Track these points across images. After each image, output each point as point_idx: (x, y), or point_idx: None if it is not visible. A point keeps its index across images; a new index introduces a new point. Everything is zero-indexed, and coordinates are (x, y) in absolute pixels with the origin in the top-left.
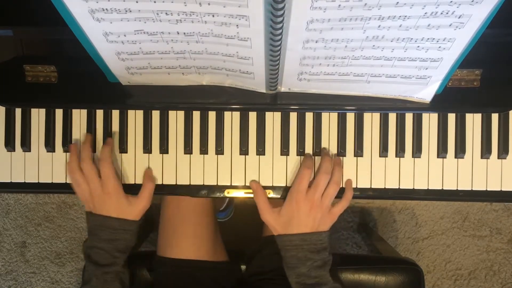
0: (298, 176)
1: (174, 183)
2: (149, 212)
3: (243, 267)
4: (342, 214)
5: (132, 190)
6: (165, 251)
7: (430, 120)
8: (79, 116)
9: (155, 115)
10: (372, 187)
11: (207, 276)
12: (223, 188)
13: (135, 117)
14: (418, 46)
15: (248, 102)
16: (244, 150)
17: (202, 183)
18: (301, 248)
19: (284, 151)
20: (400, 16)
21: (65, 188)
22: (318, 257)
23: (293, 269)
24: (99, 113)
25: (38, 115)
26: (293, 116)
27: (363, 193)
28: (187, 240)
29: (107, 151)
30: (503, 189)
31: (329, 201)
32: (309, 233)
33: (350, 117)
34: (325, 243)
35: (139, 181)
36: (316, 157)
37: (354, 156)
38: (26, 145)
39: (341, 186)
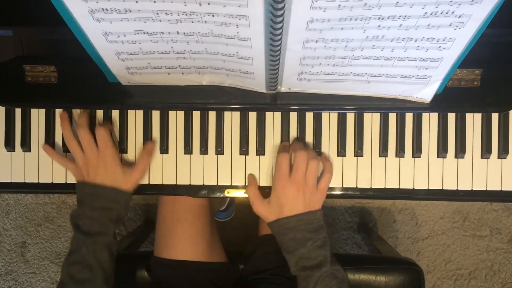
0: (277, 162)
1: (174, 183)
2: (149, 212)
3: (242, 267)
4: (342, 214)
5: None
6: (162, 252)
7: (430, 120)
8: None
9: (155, 115)
10: (372, 187)
11: (204, 277)
12: (223, 188)
13: (135, 117)
14: (418, 46)
15: (248, 102)
16: (244, 150)
17: (202, 183)
18: (298, 229)
19: None
20: (400, 16)
21: (65, 188)
22: (317, 237)
23: (292, 252)
24: (99, 113)
25: (38, 115)
26: (293, 116)
27: (363, 193)
28: (183, 241)
29: (106, 123)
30: (503, 189)
31: (314, 178)
32: (304, 213)
33: (350, 117)
34: (321, 221)
35: (140, 181)
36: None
37: (354, 156)
38: (26, 145)
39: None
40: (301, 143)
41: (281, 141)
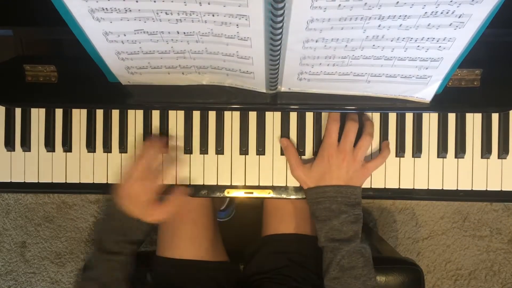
0: (326, 130)
1: (174, 183)
2: None
3: (243, 266)
4: None
5: None
6: (164, 251)
7: (430, 120)
8: (79, 116)
9: (155, 115)
10: (372, 187)
11: (206, 276)
12: (223, 188)
13: (135, 117)
14: (418, 46)
15: (248, 102)
16: (244, 150)
17: (202, 183)
18: (335, 200)
19: None
20: (400, 16)
21: (65, 188)
22: (352, 211)
23: (324, 221)
24: (99, 113)
25: (38, 115)
26: (293, 116)
27: (363, 193)
28: (186, 240)
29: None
30: (503, 189)
31: (362, 153)
32: (344, 186)
33: None
34: (359, 198)
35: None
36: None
37: None
38: (26, 145)
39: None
40: (356, 115)
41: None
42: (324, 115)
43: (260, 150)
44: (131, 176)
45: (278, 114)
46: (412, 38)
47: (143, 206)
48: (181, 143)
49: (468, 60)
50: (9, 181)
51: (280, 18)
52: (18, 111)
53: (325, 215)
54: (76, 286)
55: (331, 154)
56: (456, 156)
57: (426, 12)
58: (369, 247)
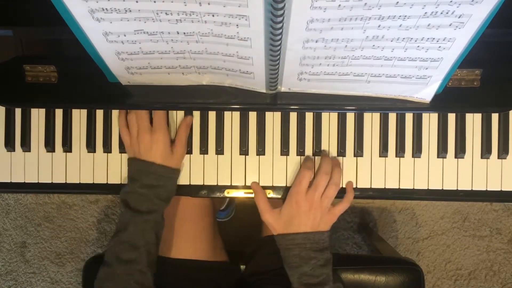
0: (298, 176)
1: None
2: None
3: (242, 267)
4: (342, 214)
5: None
6: (163, 251)
7: (430, 120)
8: (79, 116)
9: None
10: (372, 187)
11: (205, 276)
12: (223, 188)
13: None
14: (418, 46)
15: (248, 102)
16: (244, 150)
17: (202, 183)
18: (304, 247)
19: (284, 151)
20: (400, 16)
21: (65, 188)
22: (321, 256)
23: (295, 268)
24: (99, 113)
25: (38, 115)
26: (293, 116)
27: (363, 193)
28: (185, 240)
29: (163, 113)
30: (503, 189)
31: (329, 201)
32: (312, 232)
33: (350, 117)
34: (327, 242)
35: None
36: (316, 157)
37: (354, 156)
38: (26, 145)
39: (340, 187)
40: (329, 164)
41: (281, 141)
42: (324, 115)
43: (260, 150)
44: (148, 126)
45: (278, 114)
46: (412, 38)
47: (165, 150)
48: None
49: (468, 60)
50: (9, 181)
51: (280, 18)
52: (18, 111)
53: (295, 261)
54: (107, 253)
55: (299, 200)
56: (456, 156)
57: (426, 12)
58: (343, 285)
